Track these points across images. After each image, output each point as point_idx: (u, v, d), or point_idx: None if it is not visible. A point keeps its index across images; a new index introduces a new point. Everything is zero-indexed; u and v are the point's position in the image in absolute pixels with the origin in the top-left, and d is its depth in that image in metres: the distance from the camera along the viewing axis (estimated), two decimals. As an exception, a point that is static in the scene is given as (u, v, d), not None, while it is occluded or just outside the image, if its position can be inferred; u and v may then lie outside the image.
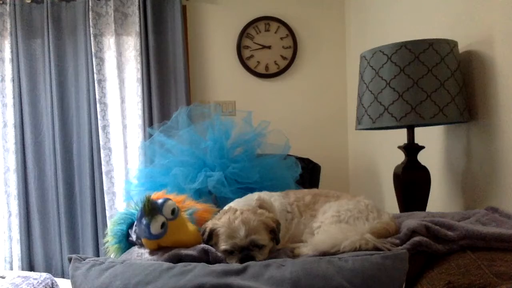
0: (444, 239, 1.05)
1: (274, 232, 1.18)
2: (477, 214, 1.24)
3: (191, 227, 1.26)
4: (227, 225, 1.15)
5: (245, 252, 1.12)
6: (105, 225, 3.07)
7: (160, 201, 1.19)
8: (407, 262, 0.93)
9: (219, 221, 1.18)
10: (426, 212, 1.40)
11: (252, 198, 1.37)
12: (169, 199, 1.22)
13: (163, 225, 1.15)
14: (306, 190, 1.46)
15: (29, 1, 3.05)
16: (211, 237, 1.18)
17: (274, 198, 1.39)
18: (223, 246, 1.13)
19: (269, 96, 3.24)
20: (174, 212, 1.19)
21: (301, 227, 1.30)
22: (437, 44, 1.49)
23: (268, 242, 1.16)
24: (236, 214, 1.17)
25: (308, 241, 1.15)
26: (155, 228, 1.14)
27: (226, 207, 1.32)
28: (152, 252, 1.18)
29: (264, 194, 1.40)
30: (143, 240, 1.21)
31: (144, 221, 1.15)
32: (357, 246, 1.03)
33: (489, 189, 1.52)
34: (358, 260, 0.93)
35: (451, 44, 1.53)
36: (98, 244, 3.09)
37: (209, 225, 1.20)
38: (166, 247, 1.18)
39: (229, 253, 1.13)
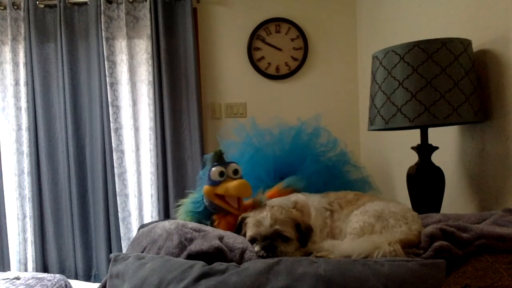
0: (460, 241, 1.03)
1: (300, 230, 1.21)
2: (494, 216, 1.21)
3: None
4: (255, 215, 1.23)
5: (268, 241, 1.16)
6: (117, 226, 3.10)
7: (228, 160, 1.44)
8: (444, 271, 0.91)
9: (250, 213, 1.27)
10: (441, 214, 1.38)
11: (289, 199, 1.41)
12: (235, 162, 1.44)
13: (221, 174, 1.37)
14: (347, 191, 1.48)
15: (42, 6, 3.09)
16: (241, 227, 1.28)
17: (313, 199, 1.42)
18: (249, 233, 1.21)
19: (280, 98, 3.23)
20: (238, 172, 1.42)
21: (342, 218, 1.34)
22: (450, 43, 1.47)
23: (294, 238, 1.19)
24: (267, 208, 1.25)
25: (335, 249, 1.15)
26: (214, 174, 1.37)
27: (262, 205, 1.38)
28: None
29: (303, 196, 1.44)
30: (204, 188, 1.39)
31: (208, 167, 1.40)
32: (387, 256, 1.03)
33: (505, 190, 1.50)
34: (394, 265, 0.91)
35: (465, 43, 1.50)
36: (110, 245, 3.12)
37: (241, 215, 1.31)
38: None
39: (253, 240, 1.19)
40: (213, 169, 1.39)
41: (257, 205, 1.38)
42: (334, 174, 1.85)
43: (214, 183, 1.38)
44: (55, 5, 3.08)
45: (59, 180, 3.15)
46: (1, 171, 3.13)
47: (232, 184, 1.36)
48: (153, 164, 3.08)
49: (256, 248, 1.15)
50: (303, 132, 1.98)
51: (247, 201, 1.44)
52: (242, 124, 2.06)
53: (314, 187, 1.55)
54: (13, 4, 3.07)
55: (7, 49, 3.10)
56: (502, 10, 1.47)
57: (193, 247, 1.11)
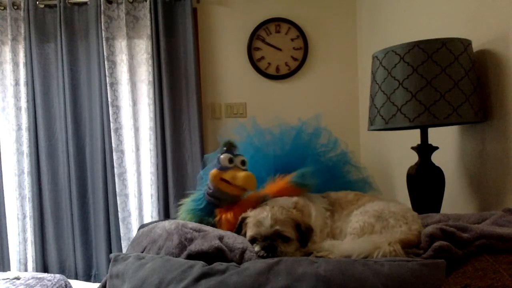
0: (460, 241, 1.03)
1: (301, 230, 1.21)
2: (494, 216, 1.21)
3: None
4: (256, 215, 1.23)
5: (268, 241, 1.16)
6: (117, 226, 3.09)
7: (237, 152, 1.48)
8: (444, 271, 0.91)
9: (251, 213, 1.26)
10: (441, 214, 1.38)
11: (290, 199, 1.41)
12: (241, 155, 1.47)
13: (230, 161, 1.41)
14: (347, 191, 1.49)
15: (42, 6, 3.09)
16: (241, 226, 1.27)
17: (313, 199, 1.42)
18: (249, 233, 1.20)
19: (280, 98, 3.23)
20: (245, 164, 1.45)
21: (342, 218, 1.34)
22: (450, 43, 1.47)
23: (294, 238, 1.19)
24: (267, 208, 1.25)
25: (335, 249, 1.15)
26: (224, 160, 1.41)
27: (263, 204, 1.39)
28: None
29: (303, 197, 1.44)
30: (211, 172, 1.42)
31: (219, 153, 1.45)
32: (387, 256, 1.03)
33: (505, 190, 1.49)
34: (394, 265, 0.91)
35: (465, 43, 1.50)
36: (110, 245, 3.12)
37: (241, 215, 1.31)
38: None
39: (253, 240, 1.18)
40: (224, 155, 1.43)
41: (260, 201, 1.40)
42: (334, 174, 1.85)
43: (222, 168, 1.42)
44: (55, 5, 3.08)
45: (59, 180, 3.15)
46: (1, 171, 3.13)
47: (241, 174, 1.39)
48: (153, 164, 3.08)
49: (256, 248, 1.15)
50: (303, 132, 1.98)
51: (251, 195, 1.46)
52: (242, 124, 2.07)
53: (314, 187, 1.55)
54: (13, 4, 3.08)
55: (7, 49, 3.10)
56: (502, 10, 1.47)
57: (193, 247, 1.11)
